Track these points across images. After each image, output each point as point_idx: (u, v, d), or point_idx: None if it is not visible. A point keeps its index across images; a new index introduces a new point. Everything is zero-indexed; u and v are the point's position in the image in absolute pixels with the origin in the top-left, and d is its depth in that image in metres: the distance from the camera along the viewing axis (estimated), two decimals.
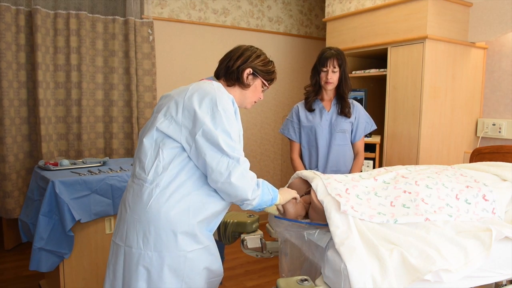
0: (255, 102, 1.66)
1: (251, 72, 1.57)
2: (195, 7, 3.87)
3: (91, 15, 3.37)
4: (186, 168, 1.41)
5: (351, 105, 2.37)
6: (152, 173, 1.40)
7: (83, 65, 3.32)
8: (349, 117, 2.34)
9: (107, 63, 3.47)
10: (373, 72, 3.24)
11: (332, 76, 2.25)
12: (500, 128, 3.08)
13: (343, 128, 2.35)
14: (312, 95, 2.37)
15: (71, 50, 3.28)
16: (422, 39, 2.79)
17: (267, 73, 1.61)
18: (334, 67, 2.24)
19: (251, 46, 1.62)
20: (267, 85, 1.63)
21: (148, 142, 1.43)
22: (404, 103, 2.95)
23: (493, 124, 3.13)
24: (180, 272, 1.40)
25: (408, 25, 2.90)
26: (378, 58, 3.48)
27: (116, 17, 3.45)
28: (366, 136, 3.17)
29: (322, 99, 2.39)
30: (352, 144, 2.42)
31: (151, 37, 3.57)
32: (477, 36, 3.07)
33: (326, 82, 2.27)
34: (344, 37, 3.42)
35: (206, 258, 1.46)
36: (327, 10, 3.61)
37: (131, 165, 2.70)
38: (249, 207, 1.44)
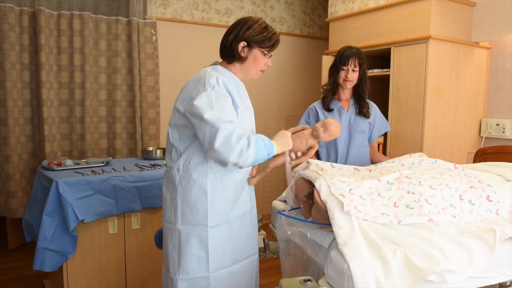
0: (263, 71, 1.64)
1: (246, 45, 1.55)
2: (198, 8, 3.88)
3: (94, 15, 3.38)
4: (198, 152, 1.54)
5: (369, 105, 2.35)
6: (174, 159, 1.59)
7: (87, 66, 3.34)
8: (368, 117, 2.32)
9: (110, 64, 3.48)
10: (376, 72, 3.23)
11: (352, 75, 2.22)
12: (504, 128, 3.07)
13: (363, 129, 2.32)
14: (329, 94, 2.32)
15: (74, 51, 3.29)
16: (425, 39, 2.78)
17: (263, 41, 1.55)
18: (355, 66, 2.21)
19: (244, 18, 1.59)
20: (267, 52, 1.58)
21: (169, 133, 1.61)
22: (407, 103, 2.94)
23: (496, 124, 3.11)
24: (203, 245, 1.57)
25: (411, 25, 2.89)
26: (381, 58, 3.47)
27: (119, 17, 3.45)
28: None
29: (339, 99, 2.34)
30: (369, 144, 2.40)
31: (154, 38, 3.57)
32: (481, 36, 3.05)
33: (345, 80, 2.23)
34: (347, 37, 3.42)
35: (227, 234, 1.61)
36: (330, 10, 3.61)
37: (135, 165, 2.71)
38: (246, 165, 1.48)
